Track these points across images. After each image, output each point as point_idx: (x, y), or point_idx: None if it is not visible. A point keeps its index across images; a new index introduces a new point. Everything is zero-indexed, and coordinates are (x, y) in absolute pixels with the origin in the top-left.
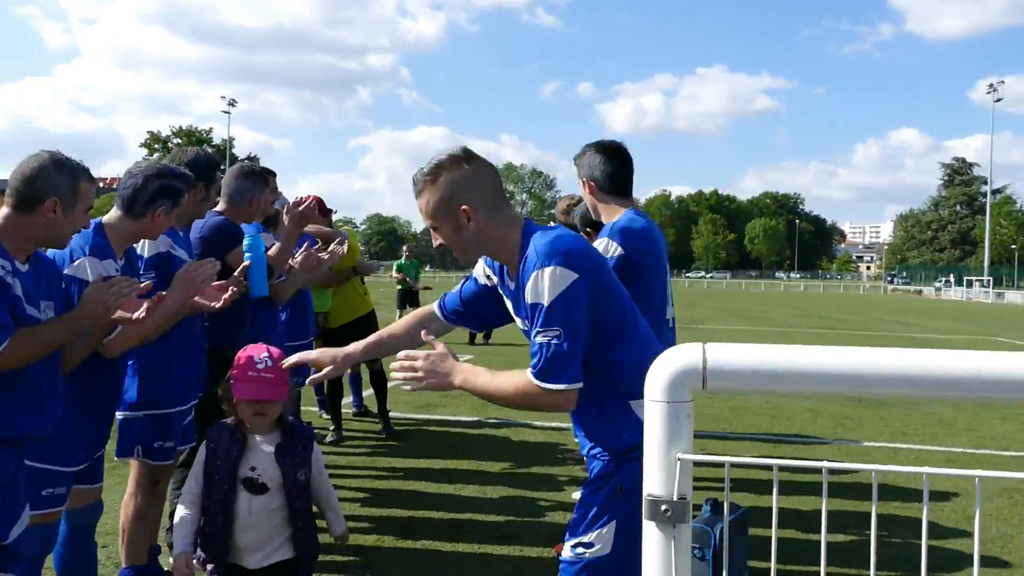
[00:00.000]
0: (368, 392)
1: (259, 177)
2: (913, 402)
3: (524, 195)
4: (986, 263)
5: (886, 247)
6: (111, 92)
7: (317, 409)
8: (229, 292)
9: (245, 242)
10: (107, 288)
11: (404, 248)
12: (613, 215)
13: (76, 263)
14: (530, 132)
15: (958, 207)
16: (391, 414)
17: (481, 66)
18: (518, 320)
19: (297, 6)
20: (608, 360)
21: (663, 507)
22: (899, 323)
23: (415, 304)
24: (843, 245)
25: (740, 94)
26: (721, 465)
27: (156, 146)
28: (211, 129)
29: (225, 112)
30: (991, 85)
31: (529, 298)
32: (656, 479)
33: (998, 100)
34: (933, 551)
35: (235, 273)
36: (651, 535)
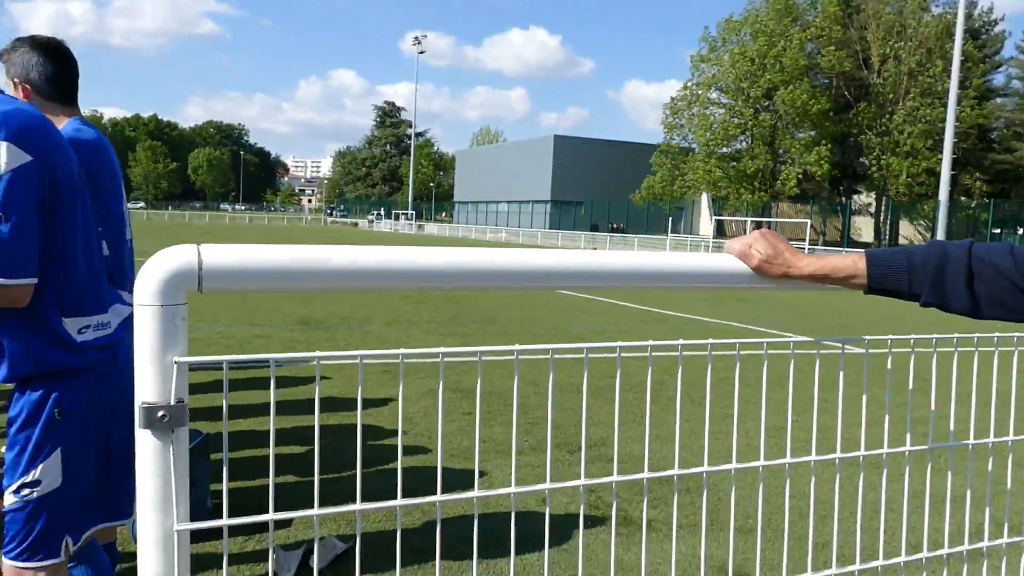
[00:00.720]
0: None
1: None
2: (356, 322)
3: None
4: (410, 198)
5: (326, 181)
6: None
7: None
8: None
9: None
10: None
11: None
12: (56, 125)
13: None
14: None
15: (388, 147)
16: None
17: None
18: None
19: None
20: (45, 270)
21: (160, 413)
22: None
23: None
24: (287, 178)
25: (184, 15)
26: (219, 367)
27: None
28: None
29: None
30: (416, 38)
31: None
32: (151, 386)
33: (422, 52)
34: (381, 447)
35: None
36: (147, 444)
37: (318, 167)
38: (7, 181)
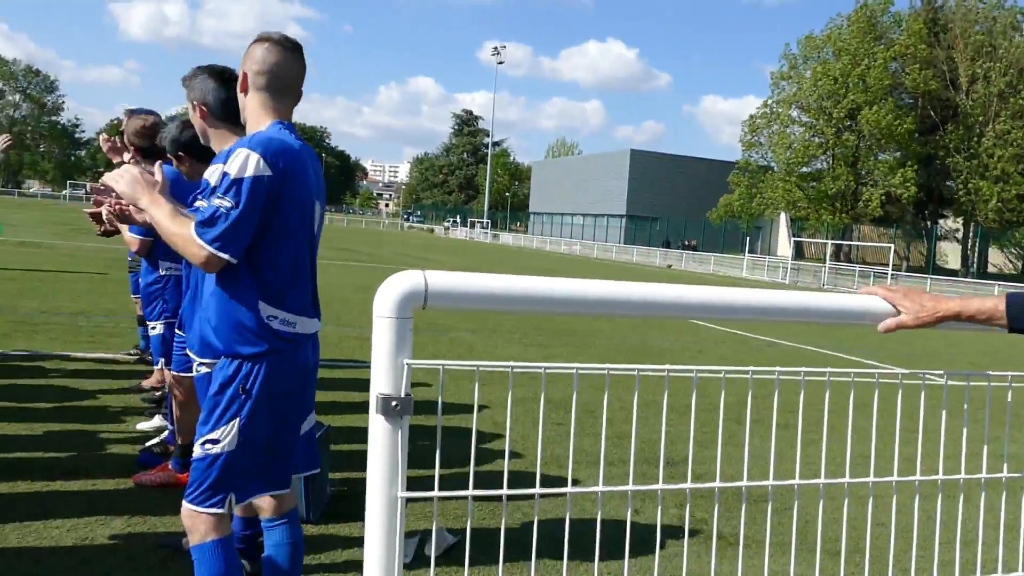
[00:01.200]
0: None
1: None
2: (440, 329)
3: (18, 95)
4: (486, 207)
5: (404, 187)
6: None
7: None
8: None
9: None
10: None
11: None
12: (225, 142)
13: None
14: (24, 21)
15: (465, 155)
16: None
17: None
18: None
19: None
20: (255, 264)
21: (393, 403)
22: (417, 258)
23: None
24: (365, 182)
25: (271, 18)
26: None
27: None
28: None
29: None
30: (495, 48)
31: (219, 165)
32: (385, 381)
33: (500, 63)
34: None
35: None
36: (380, 427)
37: (396, 172)
38: (248, 181)
